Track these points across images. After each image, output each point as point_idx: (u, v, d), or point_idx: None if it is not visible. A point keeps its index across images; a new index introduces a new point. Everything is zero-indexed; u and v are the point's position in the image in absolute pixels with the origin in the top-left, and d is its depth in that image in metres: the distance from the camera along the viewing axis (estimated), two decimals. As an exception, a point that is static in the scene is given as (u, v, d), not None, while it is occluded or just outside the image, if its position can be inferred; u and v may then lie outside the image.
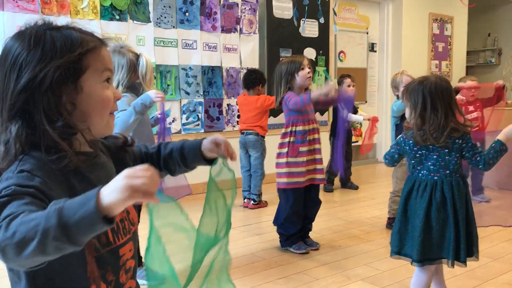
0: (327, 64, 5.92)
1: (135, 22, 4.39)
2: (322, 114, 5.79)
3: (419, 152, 2.04)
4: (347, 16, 6.34)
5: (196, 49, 4.77)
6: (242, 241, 3.32)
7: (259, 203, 4.26)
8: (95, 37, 0.93)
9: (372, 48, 6.71)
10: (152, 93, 2.31)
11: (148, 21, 4.47)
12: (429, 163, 2.02)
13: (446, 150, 1.99)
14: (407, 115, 2.09)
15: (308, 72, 2.98)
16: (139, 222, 2.51)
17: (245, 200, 4.33)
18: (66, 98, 0.86)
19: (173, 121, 4.65)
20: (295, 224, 3.06)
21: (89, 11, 4.11)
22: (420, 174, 2.05)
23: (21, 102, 0.84)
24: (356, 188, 5.09)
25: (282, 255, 3.02)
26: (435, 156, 2.01)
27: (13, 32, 0.92)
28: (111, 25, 4.24)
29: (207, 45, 4.84)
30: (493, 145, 2.00)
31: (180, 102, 4.70)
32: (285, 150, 2.99)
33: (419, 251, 1.98)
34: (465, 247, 1.98)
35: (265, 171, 4.29)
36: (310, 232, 3.24)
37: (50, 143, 0.84)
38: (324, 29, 5.83)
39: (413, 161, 2.07)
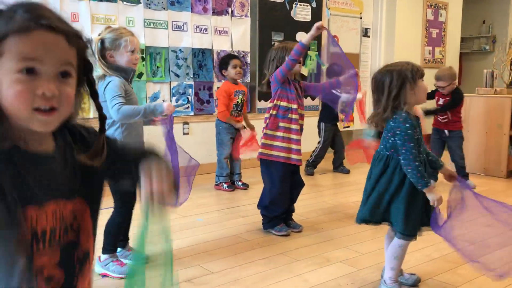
0: (319, 49, 5.91)
1: (124, 3, 4.36)
2: (313, 99, 5.80)
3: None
4: (340, 0, 6.30)
5: (186, 31, 4.75)
6: (227, 222, 3.36)
7: (218, 185, 4.34)
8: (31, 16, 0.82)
9: (365, 33, 6.69)
10: (166, 105, 2.38)
11: (138, 2, 4.45)
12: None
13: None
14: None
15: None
16: (135, 201, 2.54)
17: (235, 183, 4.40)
18: None
19: (163, 102, 4.66)
20: (281, 206, 3.10)
21: (78, -9, 4.08)
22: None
23: None
24: (348, 172, 5.13)
25: (265, 236, 3.07)
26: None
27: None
28: (100, 6, 4.22)
29: (198, 27, 4.83)
30: None
31: (170, 84, 4.71)
32: (266, 122, 3.07)
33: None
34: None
35: (221, 155, 4.31)
36: (294, 215, 3.29)
37: None
38: (316, 13, 5.81)
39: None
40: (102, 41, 2.35)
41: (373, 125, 2.22)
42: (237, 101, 4.20)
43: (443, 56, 7.35)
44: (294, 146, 3.04)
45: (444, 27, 7.32)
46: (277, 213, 3.09)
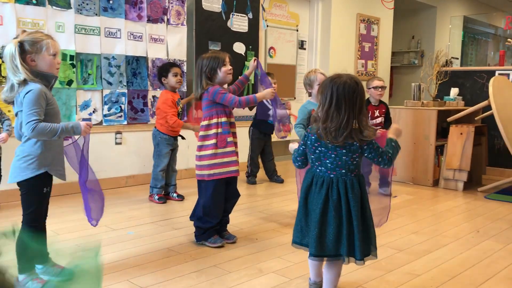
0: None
1: (54, 7, 4.18)
2: (251, 109, 5.82)
3: (318, 149, 2.09)
4: (277, 12, 6.40)
5: (120, 38, 4.63)
6: (160, 235, 3.27)
7: (151, 196, 4.24)
8: None
9: (301, 45, 6.83)
10: (83, 126, 2.26)
11: (69, 7, 4.28)
12: (327, 161, 2.08)
13: (343, 151, 2.04)
14: (316, 108, 2.14)
15: (230, 69, 3.02)
16: (47, 216, 2.42)
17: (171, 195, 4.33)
18: None
19: (93, 111, 4.50)
20: (215, 217, 3.06)
21: (2, -7, 3.87)
22: (318, 170, 2.11)
23: None
24: (282, 181, 5.18)
25: (198, 249, 3.01)
26: (333, 155, 2.06)
27: None
28: (27, 10, 4.02)
29: (132, 34, 4.72)
30: (393, 143, 2.11)
31: (102, 92, 4.55)
32: (211, 141, 2.99)
33: (316, 246, 2.05)
34: (360, 245, 2.04)
35: (157, 167, 4.20)
36: (229, 226, 3.25)
37: None
38: (253, 25, 5.86)
39: (312, 157, 2.13)
40: (21, 44, 2.22)
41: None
42: (178, 110, 4.14)
43: (375, 69, 7.65)
44: (235, 159, 3.05)
45: (376, 41, 7.63)
46: (211, 224, 3.05)
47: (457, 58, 9.28)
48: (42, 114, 2.18)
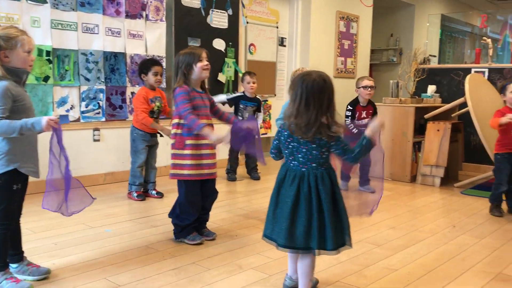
0: (236, 56, 5.94)
1: (29, 2, 4.10)
2: (231, 106, 5.80)
3: (291, 144, 2.14)
4: (257, 9, 6.40)
5: (97, 33, 4.56)
6: (138, 233, 3.25)
7: (130, 193, 4.20)
8: None
9: (281, 42, 6.84)
10: (44, 122, 2.12)
11: (44, 1, 4.20)
12: (299, 156, 2.13)
13: (313, 145, 2.10)
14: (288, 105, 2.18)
15: (206, 64, 3.00)
16: (21, 214, 2.38)
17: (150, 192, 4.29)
18: None
19: (71, 108, 4.43)
20: (190, 215, 3.05)
21: (-26, -14, 3.78)
22: (291, 164, 2.16)
23: None
24: (258, 178, 5.18)
25: (177, 246, 3.00)
26: (304, 150, 2.12)
27: None
28: (1, 3, 3.94)
29: (110, 30, 4.66)
30: (363, 142, 2.14)
31: (79, 88, 4.49)
32: (173, 141, 2.98)
33: (285, 236, 2.10)
34: (332, 236, 2.07)
35: (134, 163, 4.15)
36: (208, 223, 3.24)
37: None
38: (233, 21, 5.84)
39: (286, 151, 2.17)
40: None
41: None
42: (153, 108, 4.08)
43: (354, 66, 7.70)
44: (205, 161, 2.99)
45: (355, 39, 7.68)
46: (188, 221, 3.04)
47: (435, 56, 9.42)
48: (6, 111, 2.13)
